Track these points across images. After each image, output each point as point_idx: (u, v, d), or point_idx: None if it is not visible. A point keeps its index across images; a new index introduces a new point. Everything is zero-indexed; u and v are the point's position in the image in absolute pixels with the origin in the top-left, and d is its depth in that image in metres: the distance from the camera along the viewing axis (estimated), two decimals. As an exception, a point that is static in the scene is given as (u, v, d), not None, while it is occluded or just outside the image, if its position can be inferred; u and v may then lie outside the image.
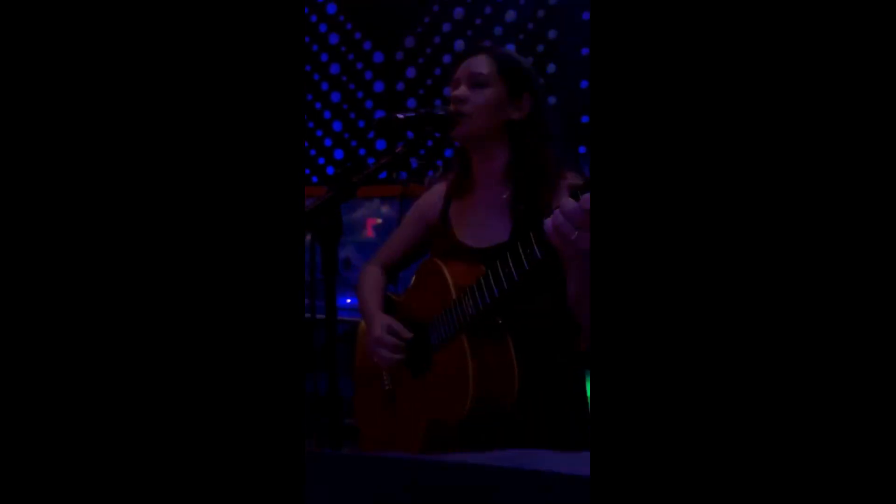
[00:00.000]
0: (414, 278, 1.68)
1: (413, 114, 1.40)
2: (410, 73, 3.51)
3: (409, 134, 1.42)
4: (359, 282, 1.78)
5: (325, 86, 3.64)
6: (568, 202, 1.07)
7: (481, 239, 1.57)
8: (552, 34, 3.25)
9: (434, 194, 1.73)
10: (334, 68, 3.64)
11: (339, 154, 3.65)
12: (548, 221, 1.10)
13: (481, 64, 1.56)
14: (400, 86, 3.52)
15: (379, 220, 3.40)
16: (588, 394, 1.63)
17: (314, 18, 3.64)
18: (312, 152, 3.65)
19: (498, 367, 1.42)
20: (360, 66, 3.60)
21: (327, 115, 3.65)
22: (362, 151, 3.58)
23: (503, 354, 1.43)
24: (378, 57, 3.57)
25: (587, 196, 1.05)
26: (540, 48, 3.25)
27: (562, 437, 1.53)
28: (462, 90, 1.53)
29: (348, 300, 2.86)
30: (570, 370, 1.58)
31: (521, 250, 1.25)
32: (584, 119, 3.09)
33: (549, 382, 1.53)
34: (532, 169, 1.50)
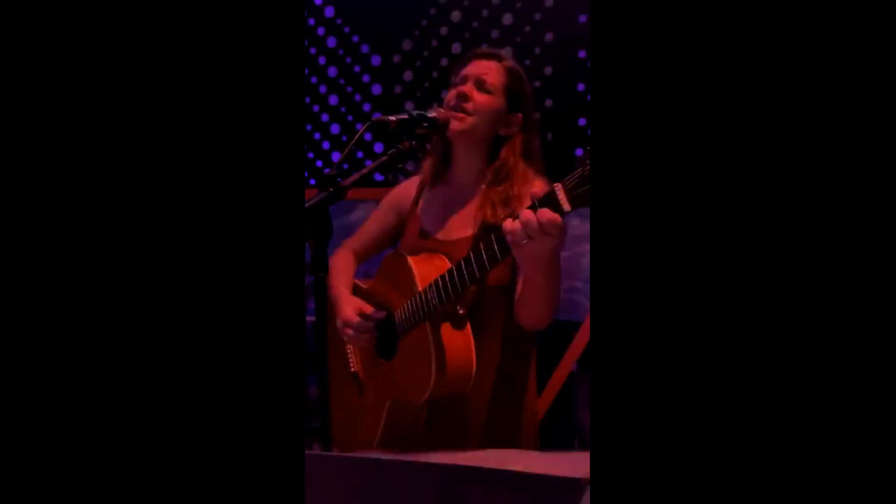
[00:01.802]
0: (380, 268, 1.76)
1: (405, 116, 1.43)
2: (408, 76, 3.52)
3: (403, 136, 1.44)
4: (329, 266, 1.83)
5: (322, 89, 3.65)
6: (525, 212, 1.16)
7: (447, 231, 1.66)
8: (549, 37, 3.25)
9: (409, 185, 1.81)
10: (332, 71, 3.64)
11: (336, 157, 3.66)
12: (506, 226, 1.20)
13: (493, 72, 1.64)
14: (397, 89, 3.53)
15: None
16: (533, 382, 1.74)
17: (312, 22, 3.65)
18: (310, 155, 3.66)
19: (458, 353, 1.52)
20: (357, 69, 3.61)
21: (325, 118, 3.66)
22: (360, 154, 3.59)
23: (463, 342, 1.53)
24: (375, 60, 3.58)
25: (544, 210, 1.14)
26: (537, 51, 3.26)
27: (513, 422, 1.62)
28: (469, 87, 1.61)
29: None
30: (521, 358, 1.68)
31: (483, 251, 1.34)
32: (581, 122, 3.10)
33: (504, 368, 1.64)
34: (504, 182, 1.60)
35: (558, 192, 1.13)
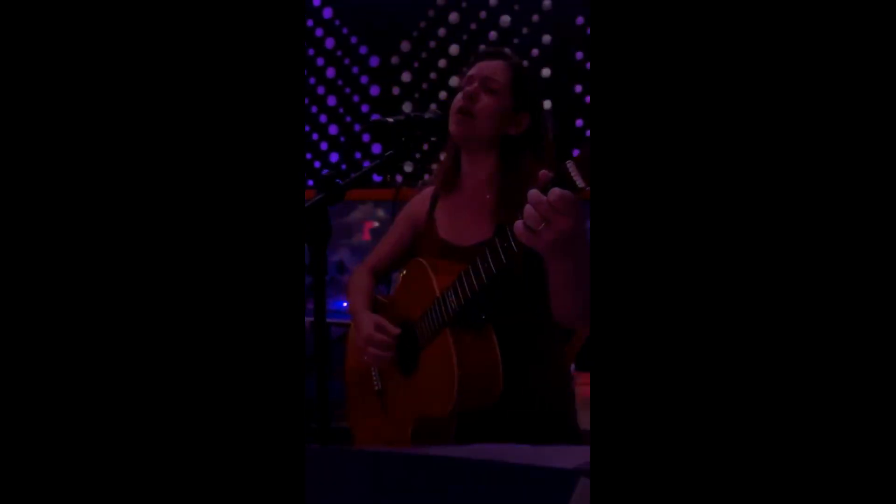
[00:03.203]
0: (399, 279, 1.71)
1: (403, 118, 1.42)
2: (406, 77, 3.52)
3: (401, 138, 1.43)
4: (348, 285, 1.81)
5: (321, 90, 3.66)
6: (535, 193, 1.10)
7: (464, 237, 1.61)
8: (546, 39, 3.26)
9: (422, 197, 1.76)
10: (330, 72, 3.65)
11: (334, 158, 3.67)
12: (518, 222, 1.13)
13: (499, 71, 1.59)
14: (395, 90, 3.53)
15: (376, 224, 3.40)
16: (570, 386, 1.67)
17: (311, 23, 3.66)
18: (308, 156, 3.66)
19: (482, 362, 1.45)
20: (356, 70, 3.62)
21: (323, 118, 3.66)
22: (358, 155, 3.60)
23: (487, 350, 1.46)
24: (374, 61, 3.59)
25: (554, 189, 1.08)
26: (534, 52, 3.27)
27: (548, 429, 1.56)
28: (474, 89, 1.56)
29: (344, 304, 2.86)
30: (553, 362, 1.61)
31: (498, 245, 1.28)
32: (579, 123, 3.12)
33: (534, 376, 1.56)
34: (517, 182, 1.54)
35: (570, 169, 1.09)
